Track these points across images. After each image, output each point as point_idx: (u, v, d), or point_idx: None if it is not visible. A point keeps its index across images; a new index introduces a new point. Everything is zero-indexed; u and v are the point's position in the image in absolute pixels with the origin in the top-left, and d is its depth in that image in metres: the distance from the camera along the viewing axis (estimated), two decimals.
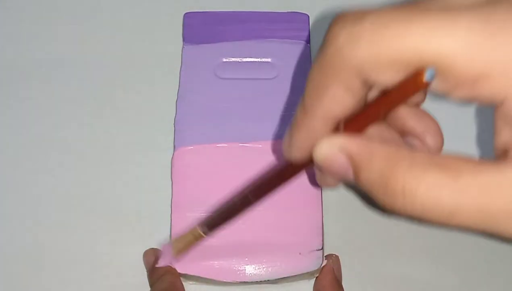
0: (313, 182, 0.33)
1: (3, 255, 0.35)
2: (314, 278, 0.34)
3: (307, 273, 0.33)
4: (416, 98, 0.26)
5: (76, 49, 0.41)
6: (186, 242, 0.32)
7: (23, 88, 0.40)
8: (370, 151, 0.22)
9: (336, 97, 0.22)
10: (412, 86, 0.20)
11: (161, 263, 0.33)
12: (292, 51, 0.39)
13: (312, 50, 0.39)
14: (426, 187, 0.20)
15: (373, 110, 0.22)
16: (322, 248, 0.33)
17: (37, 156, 0.38)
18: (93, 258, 0.35)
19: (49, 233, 0.35)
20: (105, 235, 0.35)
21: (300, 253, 0.33)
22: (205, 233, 0.31)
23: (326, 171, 0.23)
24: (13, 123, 0.39)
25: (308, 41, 0.39)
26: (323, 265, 0.33)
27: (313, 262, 0.33)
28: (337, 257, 0.34)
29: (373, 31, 0.20)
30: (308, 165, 0.25)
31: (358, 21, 0.20)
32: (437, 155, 0.21)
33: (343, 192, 0.37)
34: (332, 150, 0.22)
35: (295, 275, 0.33)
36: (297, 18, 0.40)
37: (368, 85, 0.22)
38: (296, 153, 0.25)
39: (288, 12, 0.40)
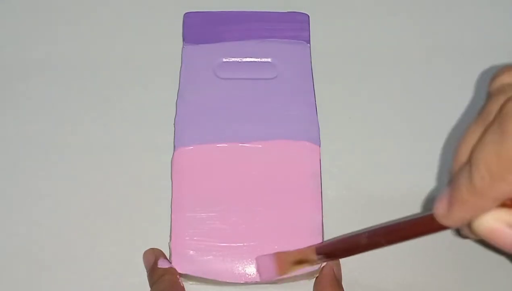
0: None
1: (3, 255, 0.35)
2: (314, 278, 0.34)
3: (307, 273, 0.33)
4: None
5: (76, 49, 0.41)
6: (296, 264, 0.31)
7: (23, 88, 0.40)
8: None
9: None
10: None
11: (161, 264, 0.33)
12: (292, 51, 0.39)
13: (312, 50, 0.39)
14: None
15: None
16: None
17: (37, 156, 0.38)
18: (93, 258, 0.35)
19: (49, 233, 0.35)
20: (105, 235, 0.35)
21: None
22: (319, 259, 0.31)
23: (490, 241, 0.22)
24: (13, 123, 0.39)
25: (308, 41, 0.39)
26: (323, 265, 0.33)
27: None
28: None
29: None
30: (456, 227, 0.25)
31: None
32: None
33: (343, 191, 0.37)
34: (499, 224, 0.22)
35: (295, 275, 0.33)
36: (297, 18, 0.40)
37: None
38: (454, 223, 0.24)
39: (288, 12, 0.40)
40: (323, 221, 0.34)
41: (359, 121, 0.39)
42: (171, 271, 0.33)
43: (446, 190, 0.24)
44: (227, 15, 0.40)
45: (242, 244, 0.33)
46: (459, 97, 0.40)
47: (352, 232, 0.30)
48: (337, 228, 0.35)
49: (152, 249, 0.34)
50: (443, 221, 0.24)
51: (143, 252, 0.35)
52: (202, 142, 0.36)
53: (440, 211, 0.24)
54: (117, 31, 0.41)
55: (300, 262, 0.31)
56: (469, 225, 0.23)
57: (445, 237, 0.35)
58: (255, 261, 0.33)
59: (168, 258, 0.34)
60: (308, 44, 0.39)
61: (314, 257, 0.31)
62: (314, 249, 0.31)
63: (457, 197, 0.23)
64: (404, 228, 0.27)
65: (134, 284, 0.34)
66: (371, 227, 0.29)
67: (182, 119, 0.37)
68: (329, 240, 0.32)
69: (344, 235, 0.31)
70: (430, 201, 0.36)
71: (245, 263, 0.33)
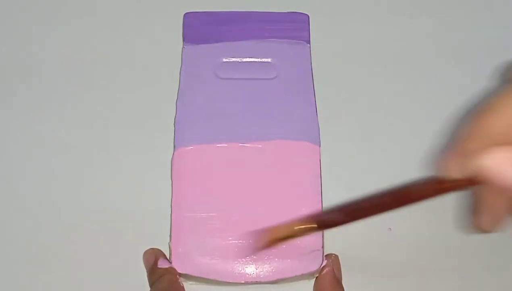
0: None
1: (3, 255, 0.35)
2: (314, 278, 0.34)
3: (307, 273, 0.33)
4: None
5: (76, 49, 0.41)
6: (289, 232, 0.30)
7: (23, 88, 0.40)
8: None
9: None
10: None
11: (161, 264, 0.33)
12: (292, 51, 0.39)
13: (312, 50, 0.39)
14: None
15: None
16: (322, 248, 0.33)
17: (36, 156, 0.37)
18: (93, 258, 0.35)
19: (49, 233, 0.35)
20: (105, 235, 0.35)
21: (300, 253, 0.33)
22: (318, 227, 0.29)
23: (495, 183, 0.22)
24: (13, 123, 0.39)
25: (308, 41, 0.39)
26: (323, 265, 0.33)
27: (313, 262, 0.33)
28: (337, 257, 0.34)
29: None
30: (464, 186, 0.25)
31: None
32: None
33: (343, 192, 0.37)
34: (504, 161, 0.22)
35: (295, 275, 0.33)
36: (297, 18, 0.40)
37: None
38: (456, 168, 0.24)
39: (288, 12, 0.40)
40: None
41: (359, 121, 0.39)
42: (171, 271, 0.33)
43: (449, 149, 0.24)
44: (227, 15, 0.40)
45: (242, 244, 0.33)
46: (459, 97, 0.40)
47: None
48: (337, 228, 0.35)
49: (152, 249, 0.34)
50: (445, 170, 0.24)
51: (143, 252, 0.35)
52: (202, 142, 0.36)
53: (444, 163, 0.25)
54: (117, 31, 0.41)
55: (295, 231, 0.31)
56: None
57: (446, 238, 0.35)
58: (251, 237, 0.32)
59: (168, 258, 0.34)
60: (308, 44, 0.39)
61: (310, 226, 0.30)
62: (312, 219, 0.30)
63: (467, 145, 0.23)
64: (409, 190, 0.26)
65: (134, 284, 0.34)
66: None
67: (182, 119, 0.37)
68: (326, 210, 0.31)
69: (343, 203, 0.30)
70: None
71: (245, 263, 0.33)
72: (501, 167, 0.22)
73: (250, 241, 0.32)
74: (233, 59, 0.39)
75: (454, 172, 0.24)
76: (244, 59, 0.39)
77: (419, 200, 0.26)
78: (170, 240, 0.34)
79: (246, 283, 0.33)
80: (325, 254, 0.34)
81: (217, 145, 0.36)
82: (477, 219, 0.30)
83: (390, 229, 0.36)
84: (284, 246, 0.33)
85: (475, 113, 0.23)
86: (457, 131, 0.23)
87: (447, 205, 0.36)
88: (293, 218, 0.31)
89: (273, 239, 0.31)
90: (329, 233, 0.34)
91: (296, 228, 0.30)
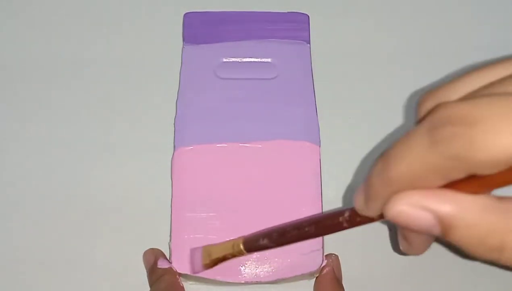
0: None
1: (3, 255, 0.35)
2: (314, 278, 0.34)
3: (307, 273, 0.33)
4: None
5: (76, 49, 0.41)
6: (222, 254, 0.31)
7: (23, 88, 0.40)
8: (462, 207, 0.21)
9: (430, 182, 0.22)
10: None
11: (161, 264, 0.33)
12: (292, 51, 0.39)
13: (312, 50, 0.39)
14: None
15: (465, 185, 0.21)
16: (322, 248, 0.33)
17: (36, 156, 0.38)
18: (93, 258, 0.35)
19: (49, 233, 0.35)
20: (105, 235, 0.35)
21: (300, 253, 0.33)
22: (246, 250, 0.30)
23: (404, 226, 0.23)
24: (13, 123, 0.39)
25: (308, 41, 0.39)
26: (323, 265, 0.33)
27: (313, 262, 0.33)
28: (337, 257, 0.34)
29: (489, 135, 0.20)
30: (377, 220, 0.25)
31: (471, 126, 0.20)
32: None
33: (343, 191, 0.37)
34: (411, 206, 0.22)
35: (295, 275, 0.33)
36: (297, 18, 0.40)
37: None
38: (373, 213, 0.24)
39: (288, 12, 0.40)
40: None
41: (359, 121, 0.39)
42: (171, 271, 0.33)
43: (362, 184, 0.25)
44: (227, 15, 0.40)
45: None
46: None
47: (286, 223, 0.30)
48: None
49: (152, 249, 0.34)
50: (361, 209, 0.25)
51: (143, 252, 0.35)
52: (202, 142, 0.36)
53: (358, 203, 0.25)
54: (117, 31, 0.41)
55: (225, 257, 0.31)
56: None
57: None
58: (190, 253, 0.33)
59: (168, 258, 0.34)
60: (308, 44, 0.39)
61: (240, 246, 0.30)
62: (241, 241, 0.30)
63: (369, 185, 0.24)
64: (331, 221, 0.27)
65: (134, 284, 0.34)
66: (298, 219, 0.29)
67: (182, 119, 0.37)
68: (255, 233, 0.31)
69: (272, 226, 0.30)
70: None
71: (245, 263, 0.33)
72: (405, 214, 0.22)
73: (192, 260, 0.32)
74: (233, 59, 0.39)
75: (363, 210, 0.25)
76: (244, 59, 0.39)
77: (338, 231, 0.27)
78: (170, 240, 0.34)
79: (246, 283, 0.33)
80: (325, 254, 0.34)
81: (217, 145, 0.36)
82: (401, 244, 0.31)
83: (390, 229, 0.36)
84: (283, 246, 0.33)
85: (382, 156, 0.23)
86: (370, 170, 0.23)
87: None
88: (225, 240, 0.31)
89: (209, 262, 0.31)
90: None
91: (226, 252, 0.31)
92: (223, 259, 0.31)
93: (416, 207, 0.22)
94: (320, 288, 0.33)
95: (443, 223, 0.22)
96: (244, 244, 0.30)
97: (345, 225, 0.26)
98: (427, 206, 0.22)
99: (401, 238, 0.30)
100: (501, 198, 0.22)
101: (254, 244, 0.30)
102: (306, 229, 0.28)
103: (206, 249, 0.32)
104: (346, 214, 0.26)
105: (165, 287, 0.32)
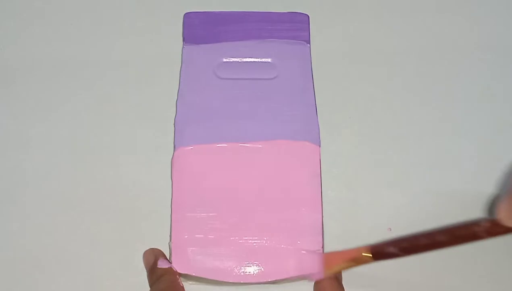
0: None
1: (3, 255, 0.35)
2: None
3: (307, 273, 0.33)
4: None
5: (76, 49, 0.41)
6: (346, 265, 0.31)
7: (23, 88, 0.40)
8: None
9: None
10: None
11: (161, 264, 0.33)
12: (292, 51, 0.39)
13: (312, 50, 0.39)
14: None
15: None
16: (322, 248, 0.33)
17: (36, 156, 0.37)
18: (93, 258, 0.35)
19: (49, 233, 0.35)
20: (105, 235, 0.35)
21: (300, 253, 0.33)
22: (374, 259, 0.30)
23: None
24: (13, 123, 0.39)
25: (308, 41, 0.39)
26: None
27: (313, 262, 0.33)
28: None
29: None
30: None
31: None
32: None
33: (343, 191, 0.37)
34: None
35: (295, 275, 0.33)
36: (297, 18, 0.40)
37: None
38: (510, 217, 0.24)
39: (288, 12, 0.40)
40: (323, 221, 0.34)
41: (359, 121, 0.39)
42: (171, 271, 0.33)
43: (507, 194, 0.24)
44: (227, 15, 0.40)
45: (242, 244, 0.33)
46: (459, 97, 0.40)
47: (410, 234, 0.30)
48: (337, 228, 0.35)
49: (152, 249, 0.34)
50: (508, 223, 0.25)
51: (143, 252, 0.35)
52: (202, 142, 0.36)
53: (503, 214, 0.25)
54: (117, 31, 0.41)
55: (350, 263, 0.31)
56: None
57: None
58: (295, 258, 0.33)
59: (168, 258, 0.34)
60: (308, 44, 0.39)
61: (365, 257, 0.31)
62: (368, 248, 0.31)
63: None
64: (465, 231, 0.27)
65: (134, 284, 0.34)
66: (432, 229, 0.29)
67: (182, 119, 0.37)
68: (384, 241, 0.31)
69: (400, 236, 0.31)
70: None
71: (245, 263, 0.33)
72: None
73: (310, 270, 0.33)
74: (233, 59, 0.39)
75: (509, 221, 0.25)
76: (244, 59, 0.39)
77: (473, 241, 0.27)
78: (170, 240, 0.34)
79: (246, 283, 0.33)
80: None
81: (217, 145, 0.36)
82: None
83: (390, 229, 0.36)
84: (284, 246, 0.33)
85: None
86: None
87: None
88: (347, 248, 0.32)
89: (330, 270, 0.32)
90: (329, 233, 0.34)
91: (351, 259, 0.31)
92: (344, 268, 0.32)
93: None
94: (320, 288, 0.33)
95: None
96: (372, 253, 0.31)
97: (482, 235, 0.26)
98: None
99: None
100: None
101: (383, 252, 0.30)
102: (438, 238, 0.28)
103: (327, 257, 0.32)
104: (484, 224, 0.26)
105: (165, 287, 0.32)
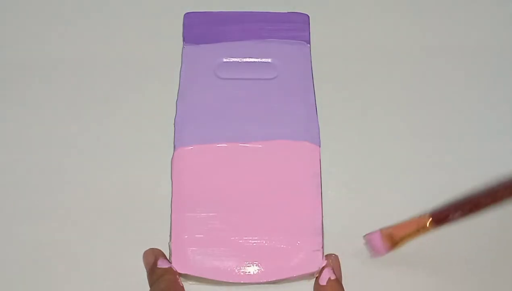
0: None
1: (3, 255, 0.35)
2: (314, 278, 0.34)
3: (307, 273, 0.33)
4: None
5: (76, 49, 0.41)
6: (407, 233, 0.31)
7: (23, 88, 0.40)
8: None
9: None
10: None
11: (161, 264, 0.33)
12: (292, 51, 0.39)
13: (312, 50, 0.39)
14: None
15: None
16: (322, 248, 0.33)
17: (36, 156, 0.38)
18: (93, 258, 0.35)
19: (49, 233, 0.35)
20: (105, 235, 0.35)
21: (300, 253, 0.33)
22: (435, 225, 0.31)
23: None
24: (13, 123, 0.39)
25: (308, 41, 0.39)
26: (323, 265, 0.33)
27: (313, 262, 0.33)
28: (337, 257, 0.34)
29: None
30: None
31: None
32: None
33: (343, 191, 0.37)
34: None
35: (295, 275, 0.33)
36: (297, 18, 0.40)
37: None
38: None
39: (288, 12, 0.40)
40: (323, 221, 0.34)
41: (359, 121, 0.39)
42: (171, 271, 0.33)
43: None
44: (227, 15, 0.40)
45: (242, 244, 0.33)
46: (459, 97, 0.40)
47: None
48: (337, 228, 0.35)
49: (152, 249, 0.34)
50: None
51: (143, 252, 0.35)
52: (202, 142, 0.36)
53: None
54: (117, 31, 0.41)
55: (409, 235, 0.32)
56: None
57: (446, 238, 0.35)
58: (366, 239, 0.34)
59: (168, 258, 0.34)
60: (308, 44, 0.39)
61: (426, 224, 0.31)
62: (429, 216, 0.31)
63: None
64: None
65: (134, 284, 0.34)
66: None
67: (182, 119, 0.37)
68: (442, 206, 0.32)
69: (458, 201, 0.31)
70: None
71: (245, 263, 0.33)
72: None
73: (371, 246, 0.34)
74: (233, 59, 0.39)
75: None
76: (244, 59, 0.39)
77: None
78: (170, 240, 0.34)
79: (246, 283, 0.33)
80: (325, 254, 0.34)
81: (217, 145, 0.36)
82: None
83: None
84: (284, 246, 0.33)
85: None
86: None
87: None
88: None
89: (394, 242, 0.33)
90: (329, 233, 0.34)
91: (416, 230, 0.32)
92: (407, 237, 0.32)
93: None
94: (320, 288, 0.33)
95: None
96: (434, 219, 0.31)
97: None
98: None
99: None
100: None
101: (445, 218, 0.31)
102: (499, 194, 0.29)
103: (386, 232, 0.33)
104: None
105: (165, 287, 0.32)
